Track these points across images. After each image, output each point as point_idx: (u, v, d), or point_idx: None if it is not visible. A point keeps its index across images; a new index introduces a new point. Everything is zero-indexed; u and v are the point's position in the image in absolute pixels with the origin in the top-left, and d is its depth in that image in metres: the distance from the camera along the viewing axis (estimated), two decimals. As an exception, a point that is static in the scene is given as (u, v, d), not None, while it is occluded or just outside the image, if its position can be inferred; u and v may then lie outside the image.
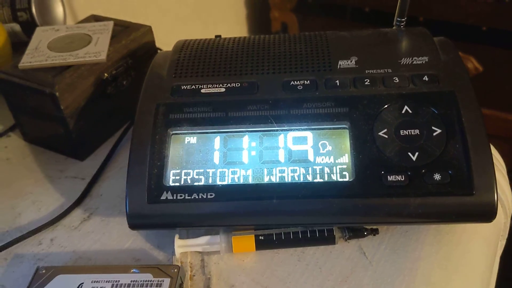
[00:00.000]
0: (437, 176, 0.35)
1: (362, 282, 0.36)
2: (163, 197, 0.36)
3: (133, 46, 0.51)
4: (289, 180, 0.36)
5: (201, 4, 1.16)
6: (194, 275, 0.37)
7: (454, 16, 1.06)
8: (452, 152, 0.35)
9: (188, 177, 0.37)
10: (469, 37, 1.06)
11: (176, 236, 0.38)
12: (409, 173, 0.35)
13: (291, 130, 0.38)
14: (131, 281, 0.34)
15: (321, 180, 0.36)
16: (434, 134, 0.36)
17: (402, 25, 0.44)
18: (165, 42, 0.55)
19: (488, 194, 0.34)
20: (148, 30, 0.53)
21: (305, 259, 0.38)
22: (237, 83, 0.41)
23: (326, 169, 0.36)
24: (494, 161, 0.35)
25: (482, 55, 1.08)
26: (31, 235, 0.41)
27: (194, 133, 0.38)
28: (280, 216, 0.36)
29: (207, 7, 1.17)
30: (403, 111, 0.37)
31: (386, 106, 0.38)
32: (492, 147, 0.38)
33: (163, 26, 0.78)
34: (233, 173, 0.37)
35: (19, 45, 0.56)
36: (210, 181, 0.37)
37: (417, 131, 0.36)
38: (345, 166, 0.36)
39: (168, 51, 0.45)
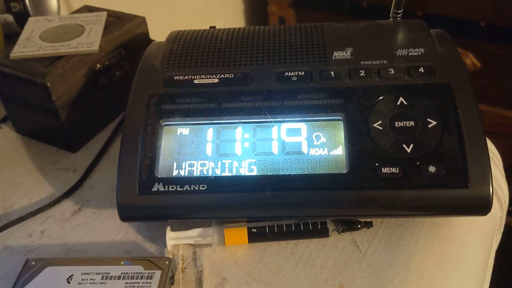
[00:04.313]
0: (432, 168, 0.34)
1: (356, 275, 0.35)
2: (154, 189, 0.36)
3: (127, 37, 0.50)
4: (283, 172, 0.36)
5: (198, -2, 1.15)
6: (185, 268, 0.37)
7: (452, 11, 1.06)
8: (447, 144, 0.35)
9: (180, 169, 0.36)
10: (467, 33, 1.06)
11: (168, 228, 0.38)
12: (403, 165, 0.34)
13: (284, 121, 0.37)
14: (121, 273, 0.34)
15: (315, 172, 0.35)
16: (429, 126, 0.36)
17: (398, 17, 0.44)
18: (160, 35, 0.55)
19: (484, 187, 0.34)
20: (142, 21, 0.52)
21: (298, 252, 0.37)
22: (230, 74, 0.40)
23: (320, 161, 0.36)
24: (490, 154, 0.35)
25: (480, 51, 1.07)
26: (19, 221, 0.41)
27: (187, 124, 0.38)
28: (273, 208, 0.36)
29: (203, 1, 1.17)
30: (398, 103, 0.37)
31: (381, 97, 0.37)
32: (488, 141, 0.37)
33: (159, 20, 0.78)
34: (226, 164, 0.36)
35: (12, 36, 0.55)
36: (203, 172, 0.36)
37: (412, 123, 0.36)
38: (339, 158, 0.36)
39: (162, 42, 0.45)
